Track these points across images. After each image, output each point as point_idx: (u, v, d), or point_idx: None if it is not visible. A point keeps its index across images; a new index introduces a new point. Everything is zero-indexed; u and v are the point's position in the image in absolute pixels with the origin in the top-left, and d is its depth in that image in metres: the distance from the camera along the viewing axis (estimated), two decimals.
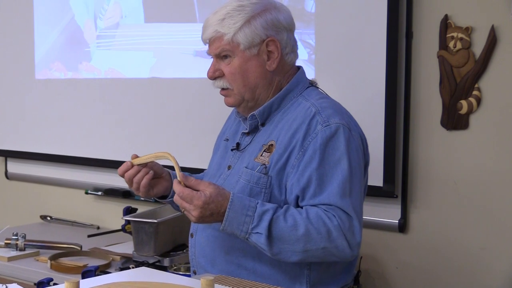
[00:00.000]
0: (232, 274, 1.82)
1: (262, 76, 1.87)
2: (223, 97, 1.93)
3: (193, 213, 1.73)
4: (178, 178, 1.77)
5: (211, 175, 2.01)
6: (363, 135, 1.91)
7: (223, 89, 1.91)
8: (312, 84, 1.95)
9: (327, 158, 1.77)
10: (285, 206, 1.77)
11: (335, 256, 1.76)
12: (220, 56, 1.87)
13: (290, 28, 1.89)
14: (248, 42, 1.83)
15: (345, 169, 1.76)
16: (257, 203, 1.75)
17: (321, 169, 1.76)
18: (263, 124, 1.90)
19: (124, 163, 1.94)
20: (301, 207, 1.78)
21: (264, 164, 1.83)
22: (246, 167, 1.85)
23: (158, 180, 1.97)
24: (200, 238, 1.92)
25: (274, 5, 1.89)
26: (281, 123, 1.86)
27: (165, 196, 2.00)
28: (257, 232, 1.72)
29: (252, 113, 1.89)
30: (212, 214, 1.73)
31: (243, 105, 1.91)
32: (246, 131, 1.93)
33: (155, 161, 1.96)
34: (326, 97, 1.92)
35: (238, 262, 1.84)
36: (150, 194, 1.96)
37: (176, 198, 1.76)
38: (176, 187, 1.75)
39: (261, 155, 1.85)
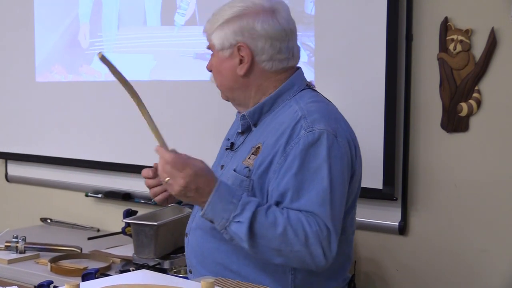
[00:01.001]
0: (219, 275, 1.81)
1: (234, 80, 1.87)
2: (221, 97, 1.97)
3: (180, 180, 1.69)
4: (160, 144, 1.74)
5: None
6: (355, 142, 1.86)
7: None
8: (309, 86, 1.93)
9: (307, 164, 1.74)
10: (267, 203, 1.75)
11: (307, 264, 1.72)
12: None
13: (273, 36, 1.83)
14: (219, 44, 1.86)
15: (325, 178, 1.72)
16: (243, 193, 1.73)
17: (300, 175, 1.73)
18: (255, 125, 1.90)
19: (148, 169, 1.95)
20: None
21: (248, 167, 1.82)
22: (234, 170, 1.85)
23: None
24: (192, 237, 1.92)
25: (264, 11, 1.84)
26: (271, 126, 1.85)
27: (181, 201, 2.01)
28: (239, 221, 1.69)
29: (243, 113, 1.90)
30: (198, 189, 1.70)
31: (231, 102, 1.94)
32: (240, 130, 1.93)
33: None
34: (319, 100, 1.88)
35: (223, 264, 1.82)
36: (165, 204, 1.98)
37: (163, 164, 1.71)
38: (164, 153, 1.73)
39: (248, 158, 1.84)
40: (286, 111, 1.84)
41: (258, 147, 1.84)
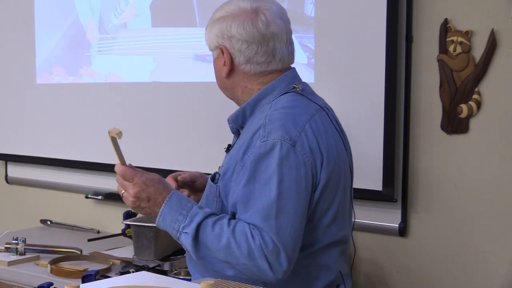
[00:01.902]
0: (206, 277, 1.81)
1: (221, 80, 1.90)
2: (224, 100, 1.97)
3: (131, 190, 1.75)
4: (120, 162, 1.80)
5: None
6: (324, 150, 1.76)
7: None
8: (296, 89, 1.86)
9: (258, 175, 1.71)
10: (221, 215, 1.75)
11: (258, 276, 1.70)
12: None
13: (249, 40, 1.82)
14: (208, 45, 1.90)
15: (273, 190, 1.68)
16: (194, 205, 1.75)
17: (249, 186, 1.71)
18: (242, 128, 1.90)
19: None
20: None
21: (218, 173, 1.84)
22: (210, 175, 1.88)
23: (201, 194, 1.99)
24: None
25: (245, 15, 1.83)
26: (245, 132, 1.85)
27: None
28: (186, 232, 1.72)
29: (228, 117, 1.91)
30: (149, 199, 1.75)
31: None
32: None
33: (202, 175, 2.04)
34: (292, 106, 1.81)
35: (208, 267, 1.80)
36: None
37: (117, 178, 1.79)
38: (118, 167, 1.79)
39: (222, 164, 1.86)
40: (258, 117, 1.82)
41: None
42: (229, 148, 1.94)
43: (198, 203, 1.88)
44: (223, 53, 1.85)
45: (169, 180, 1.97)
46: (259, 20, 1.83)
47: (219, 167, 1.93)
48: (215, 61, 1.91)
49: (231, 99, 1.95)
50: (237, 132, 1.92)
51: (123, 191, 1.79)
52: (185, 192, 2.01)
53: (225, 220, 1.73)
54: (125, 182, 1.78)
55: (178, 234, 1.74)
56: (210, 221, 1.72)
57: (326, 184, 1.77)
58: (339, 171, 1.81)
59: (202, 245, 1.72)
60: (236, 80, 1.88)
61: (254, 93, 1.87)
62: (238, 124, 1.90)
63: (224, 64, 1.86)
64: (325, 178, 1.77)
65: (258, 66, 1.85)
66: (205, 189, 1.91)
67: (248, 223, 1.70)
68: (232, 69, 1.86)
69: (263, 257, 1.68)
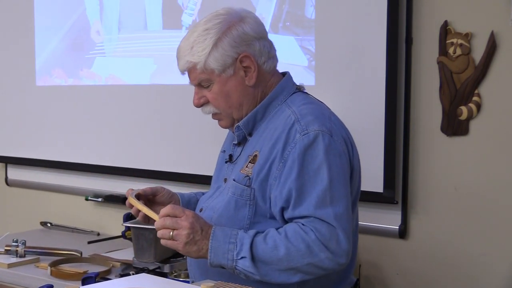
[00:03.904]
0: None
1: (245, 93, 1.85)
2: (221, 126, 1.94)
3: (185, 222, 1.71)
4: (152, 217, 1.76)
5: (212, 187, 2.01)
6: (350, 139, 1.87)
7: (213, 114, 1.90)
8: (299, 89, 1.91)
9: (306, 167, 1.73)
10: (266, 230, 1.75)
11: (324, 269, 1.72)
12: (200, 84, 1.86)
13: (261, 35, 1.85)
14: (220, 65, 1.81)
15: (325, 178, 1.72)
16: (238, 231, 1.74)
17: (300, 179, 1.73)
18: (250, 134, 1.89)
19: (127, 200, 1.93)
20: (286, 221, 1.77)
21: (248, 176, 1.81)
22: (234, 180, 1.84)
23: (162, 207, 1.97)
24: None
25: (239, 17, 1.84)
26: (265, 133, 1.84)
27: None
28: (242, 257, 1.71)
29: (237, 124, 1.88)
30: (202, 229, 1.72)
31: (236, 123, 1.89)
32: (236, 142, 1.92)
33: (164, 189, 2.01)
34: (311, 102, 1.87)
35: (229, 274, 1.80)
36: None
37: (163, 221, 1.72)
38: (157, 223, 1.73)
39: (246, 166, 1.83)
40: (279, 117, 1.83)
41: (255, 155, 1.83)
42: (231, 158, 1.93)
43: None
44: (241, 62, 1.81)
45: (128, 191, 1.93)
46: (252, 19, 1.86)
47: (225, 179, 1.92)
48: (229, 80, 1.83)
49: (237, 119, 1.88)
50: (243, 139, 1.91)
51: (171, 231, 1.72)
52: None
53: (273, 231, 1.74)
54: (175, 218, 1.72)
55: (234, 264, 1.72)
56: (259, 238, 1.73)
57: (355, 172, 1.85)
58: (359, 160, 1.89)
59: (261, 263, 1.71)
60: (256, 86, 1.86)
61: (267, 95, 1.87)
62: (248, 129, 1.88)
63: (247, 74, 1.82)
64: (355, 166, 1.85)
65: (272, 61, 1.88)
66: (223, 197, 1.87)
67: (302, 217, 1.71)
68: (258, 73, 1.84)
69: (324, 248, 1.70)
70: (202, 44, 1.80)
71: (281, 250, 1.70)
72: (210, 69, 1.81)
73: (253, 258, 1.70)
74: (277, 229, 1.75)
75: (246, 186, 1.81)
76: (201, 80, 1.84)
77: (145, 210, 1.82)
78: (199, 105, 1.90)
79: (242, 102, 1.85)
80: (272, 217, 1.81)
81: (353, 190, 1.85)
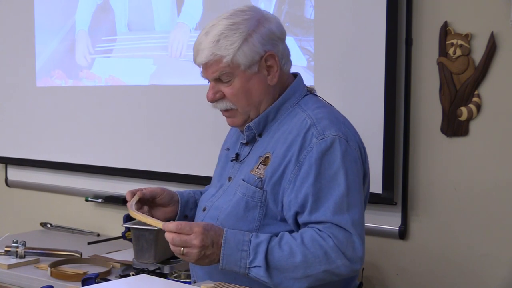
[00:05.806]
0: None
1: (265, 92, 1.84)
2: (229, 124, 1.92)
3: (195, 241, 1.67)
4: (163, 228, 1.72)
5: (213, 185, 2.00)
6: (362, 144, 1.87)
7: (226, 110, 1.88)
8: (310, 91, 1.92)
9: (323, 172, 1.73)
10: (280, 234, 1.74)
11: (338, 276, 1.72)
12: (219, 79, 1.83)
13: (283, 37, 1.86)
14: (248, 61, 1.79)
15: (342, 184, 1.72)
16: (251, 236, 1.72)
17: (317, 184, 1.72)
18: (260, 135, 1.88)
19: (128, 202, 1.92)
20: (299, 226, 1.76)
21: (260, 177, 1.80)
22: (243, 180, 1.82)
23: (163, 208, 1.98)
24: None
25: (265, 16, 1.84)
26: (277, 134, 1.83)
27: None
28: (256, 266, 1.69)
29: (248, 124, 1.87)
30: (213, 243, 1.70)
31: (247, 122, 1.88)
32: (244, 141, 1.91)
33: (164, 191, 1.99)
34: (324, 105, 1.87)
35: (234, 275, 1.79)
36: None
37: (173, 238, 1.69)
38: (168, 225, 1.69)
39: (257, 168, 1.82)
40: (293, 119, 1.82)
41: (267, 157, 1.81)
42: (237, 157, 1.92)
43: (162, 217, 1.90)
44: (266, 61, 1.81)
45: (128, 194, 1.92)
46: (276, 18, 1.87)
47: (229, 177, 1.91)
48: (253, 77, 1.81)
49: (252, 118, 1.86)
50: (252, 139, 1.90)
51: (182, 248, 1.69)
52: (145, 208, 1.95)
53: (287, 236, 1.72)
54: (184, 236, 1.68)
55: (246, 271, 1.71)
56: (274, 244, 1.71)
57: (367, 177, 1.87)
58: (368, 165, 1.90)
59: (276, 270, 1.70)
60: (277, 83, 1.85)
61: (282, 93, 1.86)
62: (259, 130, 1.87)
63: (269, 73, 1.82)
64: (366, 171, 1.87)
65: (290, 64, 1.89)
66: (230, 196, 1.86)
67: (319, 223, 1.70)
68: (280, 72, 1.84)
69: (341, 255, 1.70)
70: (230, 38, 1.78)
71: (298, 257, 1.69)
72: (237, 63, 1.79)
73: (268, 267, 1.69)
74: (290, 233, 1.74)
75: (258, 188, 1.79)
76: (223, 74, 1.81)
77: (149, 221, 1.78)
78: (214, 100, 1.86)
79: (262, 100, 1.84)
80: (282, 220, 1.79)
81: (365, 195, 1.87)
